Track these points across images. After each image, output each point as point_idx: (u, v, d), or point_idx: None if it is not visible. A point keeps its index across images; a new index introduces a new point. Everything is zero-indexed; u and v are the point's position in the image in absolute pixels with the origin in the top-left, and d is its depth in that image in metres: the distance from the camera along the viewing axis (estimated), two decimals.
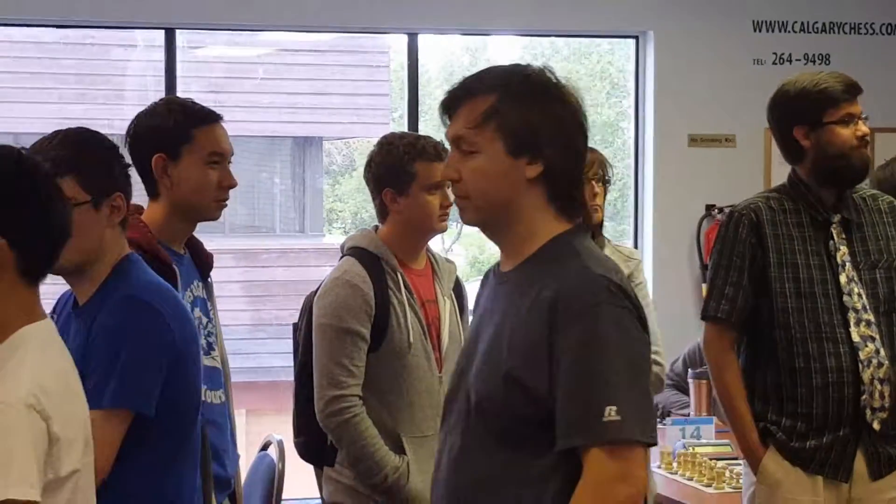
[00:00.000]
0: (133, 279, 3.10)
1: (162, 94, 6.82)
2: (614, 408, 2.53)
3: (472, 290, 4.27)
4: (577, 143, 2.77)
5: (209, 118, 3.85)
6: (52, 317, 3.06)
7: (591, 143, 4.41)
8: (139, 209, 3.76)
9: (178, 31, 7.38)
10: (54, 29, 7.78)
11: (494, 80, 2.79)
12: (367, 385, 4.06)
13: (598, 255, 2.80)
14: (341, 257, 4.26)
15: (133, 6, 7.08)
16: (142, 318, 3.01)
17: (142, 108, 3.82)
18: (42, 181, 2.76)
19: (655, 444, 2.70)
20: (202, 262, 3.80)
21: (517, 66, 2.86)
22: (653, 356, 4.23)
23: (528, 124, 2.71)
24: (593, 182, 4.43)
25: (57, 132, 3.20)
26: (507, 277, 2.81)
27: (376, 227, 4.29)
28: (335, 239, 12.25)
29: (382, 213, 4.25)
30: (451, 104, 2.79)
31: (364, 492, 4.15)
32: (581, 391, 2.58)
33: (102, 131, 3.40)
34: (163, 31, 7.36)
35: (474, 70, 3.00)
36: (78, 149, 3.11)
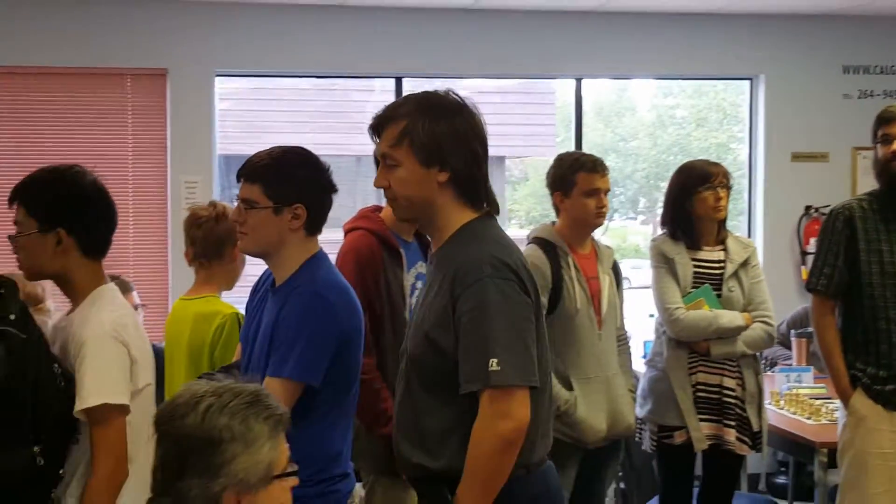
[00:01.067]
0: (317, 276, 3.00)
1: None
2: (496, 360, 2.52)
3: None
4: (476, 150, 2.73)
5: None
6: (258, 287, 3.22)
7: (708, 159, 4.50)
8: (378, 208, 3.86)
9: (405, 79, 7.22)
10: (311, 79, 7.72)
11: (408, 106, 2.75)
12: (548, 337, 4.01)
13: (497, 236, 2.76)
14: (527, 244, 4.21)
15: (371, 60, 7.08)
16: (320, 309, 2.91)
17: None
18: (92, 188, 2.96)
19: (536, 386, 2.62)
20: (426, 248, 3.59)
21: (427, 92, 2.80)
22: (764, 319, 4.48)
23: (434, 140, 2.67)
24: (719, 189, 4.45)
25: (274, 148, 3.10)
26: (433, 259, 2.84)
27: (553, 223, 4.27)
28: (513, 232, 12.14)
29: (557, 211, 4.25)
30: (377, 127, 2.78)
31: None
32: (472, 348, 2.57)
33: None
34: (393, 80, 7.24)
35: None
36: (274, 164, 3.00)
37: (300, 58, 7.05)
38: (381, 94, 7.63)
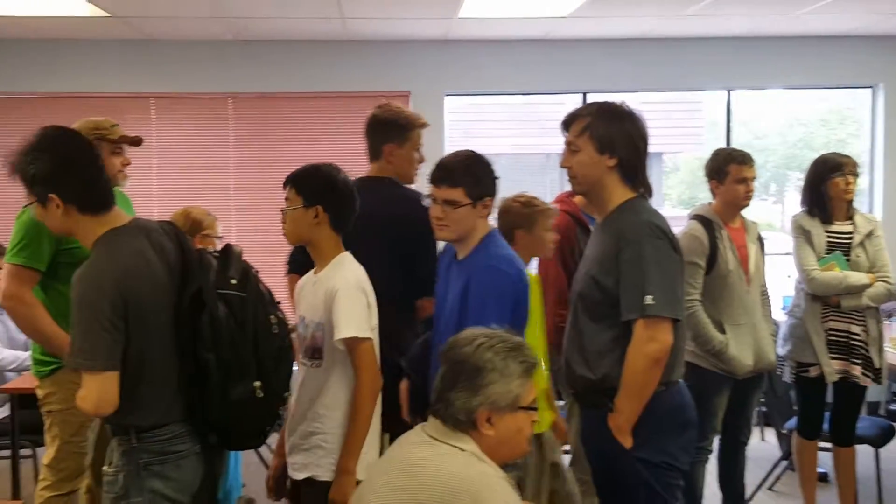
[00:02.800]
0: (492, 251, 2.94)
1: None
2: (650, 296, 2.57)
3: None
4: (638, 146, 2.75)
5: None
6: (442, 256, 3.17)
7: (839, 152, 4.33)
8: (572, 194, 3.82)
9: (589, 94, 6.99)
10: (514, 96, 7.73)
11: (591, 108, 2.80)
12: (704, 294, 3.96)
13: (651, 211, 2.77)
14: (689, 219, 4.12)
15: (562, 80, 7.02)
16: (496, 278, 2.86)
17: None
18: (342, 180, 2.97)
19: (680, 319, 2.66)
20: None
21: (606, 101, 2.82)
22: (885, 279, 4.45)
23: (607, 134, 2.71)
24: (848, 175, 4.35)
25: (459, 155, 3.03)
26: (599, 226, 2.83)
27: (710, 203, 4.17)
28: (667, 211, 12.09)
29: (713, 194, 4.16)
30: (568, 122, 2.81)
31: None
32: (632, 286, 2.61)
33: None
34: (581, 95, 7.03)
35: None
36: (468, 172, 2.93)
37: (508, 80, 7.03)
38: (570, 106, 7.52)
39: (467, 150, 3.04)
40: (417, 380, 3.11)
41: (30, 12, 5.73)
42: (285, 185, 3.00)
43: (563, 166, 2.85)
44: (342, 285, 2.87)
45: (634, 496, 2.58)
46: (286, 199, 2.99)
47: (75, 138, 2.70)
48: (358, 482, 2.79)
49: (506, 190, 3.75)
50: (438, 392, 2.13)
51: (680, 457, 2.71)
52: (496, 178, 2.99)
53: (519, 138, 12.37)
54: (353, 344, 2.82)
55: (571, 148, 2.78)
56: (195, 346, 2.50)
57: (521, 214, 3.54)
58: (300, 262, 3.39)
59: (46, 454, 3.69)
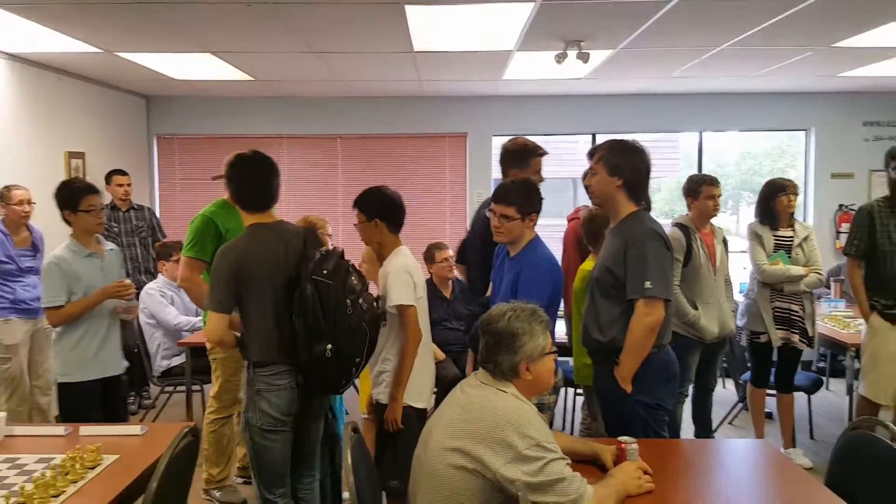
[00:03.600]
0: (538, 252, 2.83)
1: None
2: (649, 281, 2.53)
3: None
4: (641, 171, 2.67)
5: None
6: (498, 252, 3.01)
7: (784, 177, 4.20)
8: (578, 210, 3.83)
9: (598, 135, 7.12)
10: (542, 136, 7.65)
11: (606, 144, 2.73)
12: (682, 281, 3.84)
13: (652, 220, 2.67)
14: (671, 226, 3.98)
15: (575, 123, 6.90)
16: (540, 273, 2.77)
17: None
18: (394, 198, 2.99)
19: (670, 300, 2.60)
20: None
21: (618, 139, 2.74)
22: (817, 271, 4.26)
23: (616, 162, 2.66)
24: (790, 195, 4.24)
25: (515, 181, 2.93)
26: (612, 231, 2.74)
27: (687, 214, 4.05)
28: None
29: (688, 207, 4.04)
30: (591, 153, 2.76)
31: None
32: (636, 274, 2.56)
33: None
34: (590, 135, 6.98)
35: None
36: (522, 192, 2.85)
37: (539, 123, 6.96)
38: (582, 144, 7.46)
39: (522, 179, 2.96)
40: (477, 353, 3.11)
41: (203, 77, 5.84)
42: (354, 206, 3.02)
43: (585, 185, 2.85)
44: (392, 268, 2.92)
45: (634, 428, 2.54)
46: (356, 216, 3.03)
47: (250, 160, 2.79)
48: (410, 407, 2.90)
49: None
50: (485, 356, 2.12)
51: (667, 400, 2.67)
52: (541, 199, 2.92)
53: (545, 167, 12.26)
54: (401, 309, 2.86)
55: (592, 171, 2.76)
56: (290, 312, 2.60)
57: (606, 219, 3.51)
58: (462, 257, 3.64)
59: (212, 388, 3.77)
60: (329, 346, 2.56)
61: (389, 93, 6.75)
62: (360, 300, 2.64)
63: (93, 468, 2.27)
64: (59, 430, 2.64)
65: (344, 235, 6.71)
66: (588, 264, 3.54)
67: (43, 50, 4.74)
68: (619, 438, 2.28)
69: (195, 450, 2.36)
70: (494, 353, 2.08)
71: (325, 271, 2.59)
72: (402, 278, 2.89)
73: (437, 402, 3.15)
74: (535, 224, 2.88)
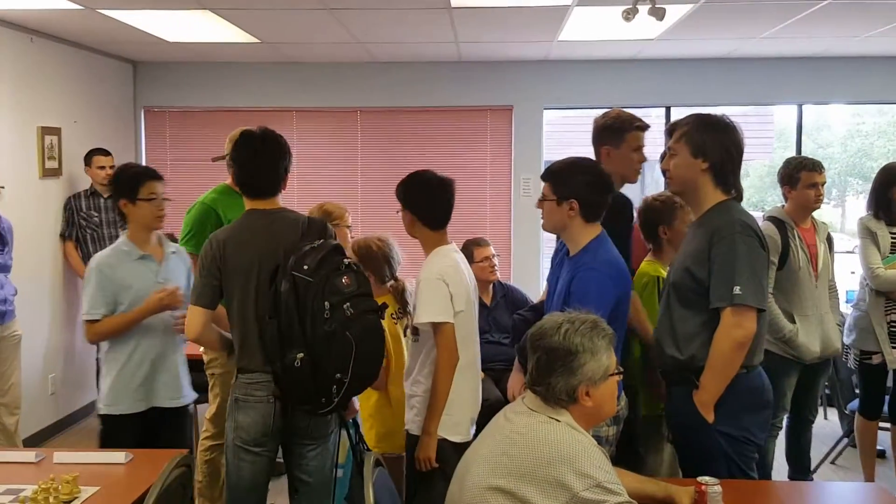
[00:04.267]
0: (596, 254, 2.75)
1: None
2: (738, 287, 2.48)
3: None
4: (731, 152, 2.65)
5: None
6: (558, 251, 3.01)
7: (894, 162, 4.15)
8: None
9: (673, 108, 6.99)
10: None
11: (689, 119, 2.70)
12: (776, 287, 3.82)
13: (742, 211, 2.65)
14: (763, 221, 3.94)
15: (648, 95, 6.86)
16: (597, 280, 2.69)
17: None
18: (438, 184, 3.01)
19: (764, 309, 2.56)
20: None
21: (705, 113, 2.72)
22: None
23: (701, 140, 2.63)
24: None
25: (566, 158, 2.85)
26: (694, 224, 2.73)
27: (783, 206, 4.00)
28: None
29: (785, 198, 3.99)
30: (670, 131, 2.74)
31: None
32: (722, 278, 2.52)
33: None
34: (664, 108, 6.99)
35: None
36: (563, 166, 2.80)
37: (599, 95, 6.91)
38: (655, 119, 7.37)
39: (577, 157, 2.89)
40: (526, 365, 3.09)
41: (200, 39, 5.91)
42: (396, 193, 3.06)
43: (662, 168, 2.78)
44: (424, 276, 2.93)
45: (715, 465, 2.51)
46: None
47: (254, 138, 2.85)
48: (445, 440, 2.91)
49: None
50: (536, 377, 2.10)
51: (757, 433, 2.63)
52: (588, 185, 2.77)
53: None
54: (434, 326, 2.88)
55: (671, 152, 2.72)
56: (265, 310, 2.65)
57: (661, 211, 3.48)
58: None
59: (209, 409, 3.82)
60: (300, 354, 2.56)
61: (419, 58, 6.77)
62: (347, 304, 2.61)
63: (69, 502, 2.32)
64: (30, 455, 2.71)
65: (364, 227, 6.75)
66: (646, 266, 3.51)
67: (13, 6, 4.84)
68: (699, 479, 2.25)
69: (189, 482, 2.40)
70: (547, 373, 2.07)
71: (305, 266, 2.59)
72: (435, 289, 2.89)
73: (476, 431, 3.18)
74: (576, 212, 2.74)
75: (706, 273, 2.58)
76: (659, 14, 4.56)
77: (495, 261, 4.83)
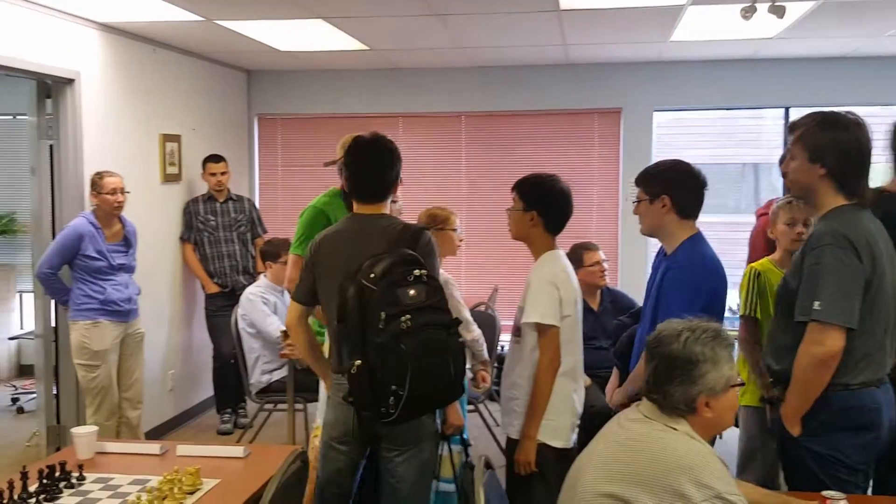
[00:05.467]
0: (688, 253, 2.78)
1: None
2: (819, 301, 2.38)
3: None
4: (851, 155, 2.50)
5: None
6: (659, 253, 3.01)
7: None
8: (770, 204, 3.66)
9: (791, 109, 6.77)
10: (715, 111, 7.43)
11: (808, 119, 2.58)
12: None
13: (852, 218, 2.47)
14: None
15: (764, 95, 6.69)
16: (689, 273, 2.74)
17: None
18: (559, 189, 3.02)
19: (851, 327, 2.38)
20: None
21: (826, 111, 2.59)
22: None
23: (817, 143, 2.51)
24: None
25: (661, 161, 2.97)
26: (812, 229, 2.59)
27: None
28: None
29: None
30: (791, 130, 2.64)
31: None
32: (806, 290, 2.43)
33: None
34: (783, 109, 6.82)
35: None
36: (651, 168, 2.88)
37: (713, 96, 6.80)
38: (771, 120, 7.15)
39: (671, 160, 2.97)
40: (623, 370, 3.09)
41: (310, 48, 6.11)
42: (513, 189, 3.08)
43: (782, 171, 2.74)
44: (536, 278, 2.96)
45: (800, 480, 2.45)
46: (513, 200, 3.07)
47: (364, 145, 2.93)
48: (546, 445, 2.90)
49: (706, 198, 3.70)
50: (653, 385, 2.08)
51: (853, 455, 2.46)
52: (676, 180, 2.85)
53: (717, 149, 11.84)
54: (540, 328, 2.89)
55: (790, 155, 2.63)
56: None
57: (770, 212, 3.45)
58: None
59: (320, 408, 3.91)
60: (358, 361, 2.55)
61: (525, 61, 6.78)
62: (406, 317, 2.53)
63: (192, 493, 2.44)
64: (155, 448, 2.85)
65: (469, 231, 6.80)
66: (760, 264, 3.46)
67: (138, 19, 5.12)
68: (824, 493, 2.18)
69: (304, 478, 2.48)
70: (665, 382, 2.05)
71: (372, 275, 2.56)
72: (546, 291, 2.92)
73: (581, 437, 3.15)
74: (668, 208, 2.80)
75: (797, 284, 2.50)
76: (779, 12, 4.44)
77: (605, 266, 4.79)
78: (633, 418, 2.10)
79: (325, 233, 2.90)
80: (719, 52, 6.43)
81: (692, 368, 2.02)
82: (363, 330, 2.53)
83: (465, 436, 3.22)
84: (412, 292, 2.57)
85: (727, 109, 6.92)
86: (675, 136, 11.28)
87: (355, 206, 2.91)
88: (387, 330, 2.50)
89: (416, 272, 2.60)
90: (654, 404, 2.08)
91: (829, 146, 2.50)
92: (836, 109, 2.63)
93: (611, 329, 4.61)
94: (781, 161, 2.79)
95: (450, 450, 3.14)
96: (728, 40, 5.84)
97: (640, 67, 6.83)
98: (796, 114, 6.56)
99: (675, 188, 2.81)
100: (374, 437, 2.78)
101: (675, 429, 2.02)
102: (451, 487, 3.20)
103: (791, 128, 2.66)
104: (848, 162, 2.51)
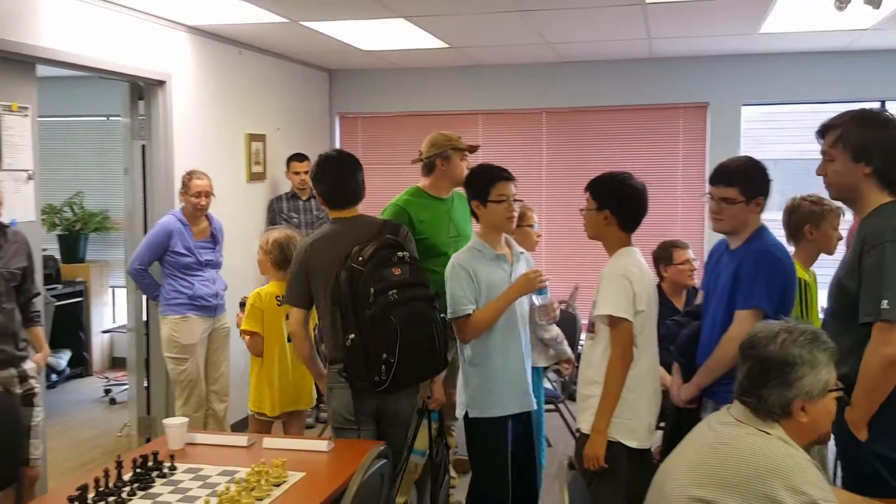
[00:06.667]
0: (766, 238, 2.84)
1: None
2: (886, 301, 2.31)
3: None
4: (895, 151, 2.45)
5: None
6: (713, 253, 3.05)
7: None
8: None
9: (887, 102, 6.49)
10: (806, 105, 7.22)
11: (845, 117, 2.51)
12: None
13: None
14: None
15: (857, 88, 6.56)
16: (770, 261, 2.77)
17: None
18: (633, 187, 3.01)
19: None
20: None
21: (864, 109, 2.53)
22: None
23: (860, 142, 2.45)
24: None
25: (735, 158, 3.02)
26: (856, 231, 2.51)
27: None
28: None
29: None
30: (822, 132, 2.57)
31: None
32: (870, 291, 2.35)
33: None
34: (878, 103, 6.52)
35: None
36: (748, 172, 2.86)
37: (804, 90, 6.60)
38: None
39: (745, 156, 3.01)
40: (686, 366, 3.04)
41: (391, 47, 6.17)
42: (586, 189, 3.09)
43: (818, 174, 2.62)
44: (608, 272, 2.98)
45: (868, 486, 2.35)
46: (586, 200, 3.09)
47: (334, 159, 3.29)
48: (620, 444, 2.87)
49: (794, 193, 3.68)
50: (746, 388, 2.03)
51: None
52: (769, 180, 2.89)
53: (807, 144, 11.51)
54: (612, 322, 2.88)
55: (826, 157, 2.56)
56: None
57: (811, 212, 3.49)
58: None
59: None
60: (352, 335, 2.95)
61: (607, 56, 6.72)
62: (393, 291, 2.96)
63: (278, 485, 2.50)
64: (242, 440, 2.94)
65: (548, 227, 6.76)
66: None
67: (225, 22, 5.26)
68: None
69: (388, 473, 2.50)
70: (760, 384, 2.00)
71: (360, 258, 2.97)
72: (618, 284, 2.91)
73: (665, 441, 3.14)
74: (762, 210, 2.86)
75: (857, 285, 2.41)
76: (875, 2, 4.30)
77: (695, 264, 4.70)
78: (725, 421, 2.06)
79: (315, 236, 3.19)
80: (811, 44, 6.25)
81: (789, 371, 1.97)
82: (355, 307, 2.93)
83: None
84: (397, 271, 3.01)
85: (818, 104, 6.69)
86: (763, 130, 11.02)
87: (334, 213, 3.25)
88: (377, 303, 2.92)
89: (399, 254, 3.05)
90: (747, 407, 2.03)
91: (874, 145, 2.46)
92: (865, 107, 2.59)
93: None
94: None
95: (429, 424, 3.40)
96: (820, 31, 5.67)
97: (728, 60, 6.68)
98: (893, 108, 6.39)
99: (767, 189, 2.86)
100: (380, 416, 3.13)
101: (768, 433, 1.97)
102: (422, 459, 3.47)
103: (822, 131, 2.59)
104: (894, 159, 2.47)
